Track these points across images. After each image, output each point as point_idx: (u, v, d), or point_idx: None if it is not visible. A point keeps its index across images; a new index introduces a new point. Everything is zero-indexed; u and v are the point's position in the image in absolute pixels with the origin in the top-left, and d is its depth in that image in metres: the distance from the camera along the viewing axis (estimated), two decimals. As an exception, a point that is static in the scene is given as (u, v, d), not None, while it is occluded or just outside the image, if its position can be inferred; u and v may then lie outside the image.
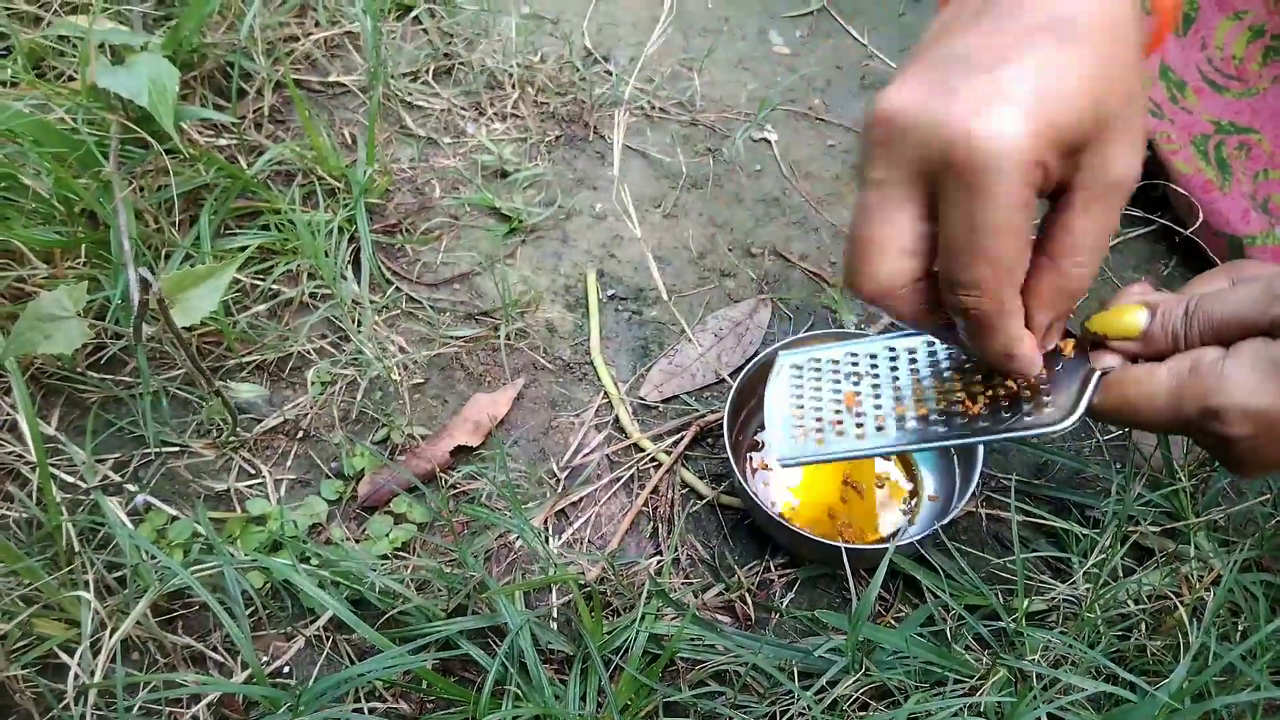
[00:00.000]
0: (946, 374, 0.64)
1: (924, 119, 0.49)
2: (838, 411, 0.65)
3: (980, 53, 0.51)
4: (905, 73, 0.51)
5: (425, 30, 1.15)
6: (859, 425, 0.64)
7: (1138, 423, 0.58)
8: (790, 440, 0.65)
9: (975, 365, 0.64)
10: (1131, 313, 0.59)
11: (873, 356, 0.67)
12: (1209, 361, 0.54)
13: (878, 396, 0.65)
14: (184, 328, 0.75)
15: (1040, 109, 0.48)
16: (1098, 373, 0.59)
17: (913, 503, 0.82)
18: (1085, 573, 0.72)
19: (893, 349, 0.67)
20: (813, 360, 0.69)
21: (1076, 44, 0.50)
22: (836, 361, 0.67)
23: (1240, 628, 0.72)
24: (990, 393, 0.61)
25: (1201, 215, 0.94)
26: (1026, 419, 0.59)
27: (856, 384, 0.66)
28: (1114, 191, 0.52)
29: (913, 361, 0.66)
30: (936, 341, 0.66)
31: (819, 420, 0.65)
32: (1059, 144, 0.49)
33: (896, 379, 0.65)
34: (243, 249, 0.89)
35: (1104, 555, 0.72)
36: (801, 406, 0.67)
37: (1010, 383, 0.61)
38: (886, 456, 0.82)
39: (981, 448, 0.76)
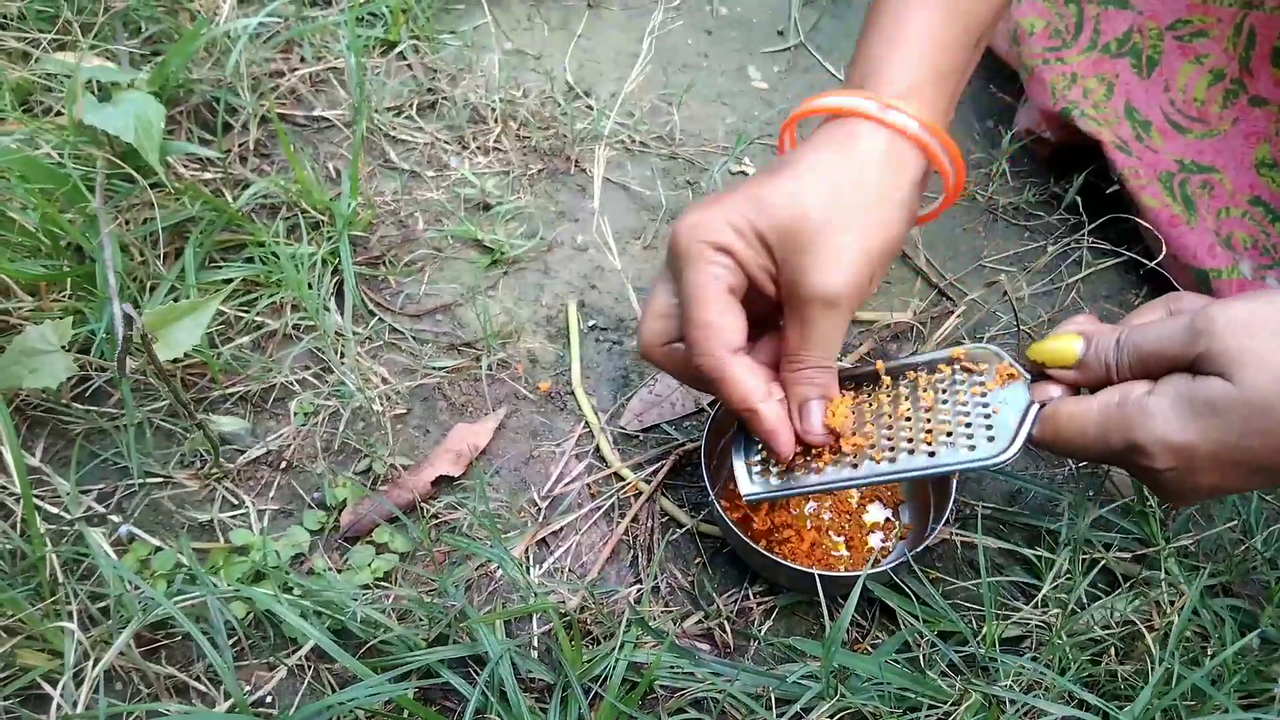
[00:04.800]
0: (896, 411, 0.68)
1: (677, 225, 0.64)
2: (797, 451, 0.69)
3: (725, 188, 0.67)
4: None
5: (409, 66, 1.17)
6: (817, 463, 0.68)
7: (1071, 454, 0.62)
8: (755, 477, 0.70)
9: (918, 404, 0.68)
10: (1067, 341, 0.62)
11: None
12: (1135, 397, 0.57)
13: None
14: (168, 360, 0.76)
15: (727, 214, 0.62)
16: (1036, 406, 0.62)
17: (890, 531, 0.83)
18: (1054, 599, 0.73)
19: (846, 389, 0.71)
20: None
21: (782, 177, 0.62)
22: None
23: (1210, 652, 0.73)
24: (934, 429, 0.64)
25: (1168, 249, 0.96)
26: (966, 453, 0.62)
27: None
28: (811, 305, 0.62)
29: (865, 401, 0.71)
30: (882, 382, 0.71)
31: (779, 459, 0.69)
32: (743, 240, 0.62)
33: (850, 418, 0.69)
34: (227, 282, 0.90)
35: (1069, 581, 0.73)
36: (765, 446, 0.71)
37: (954, 418, 0.64)
38: (841, 491, 0.84)
39: (955, 477, 0.78)
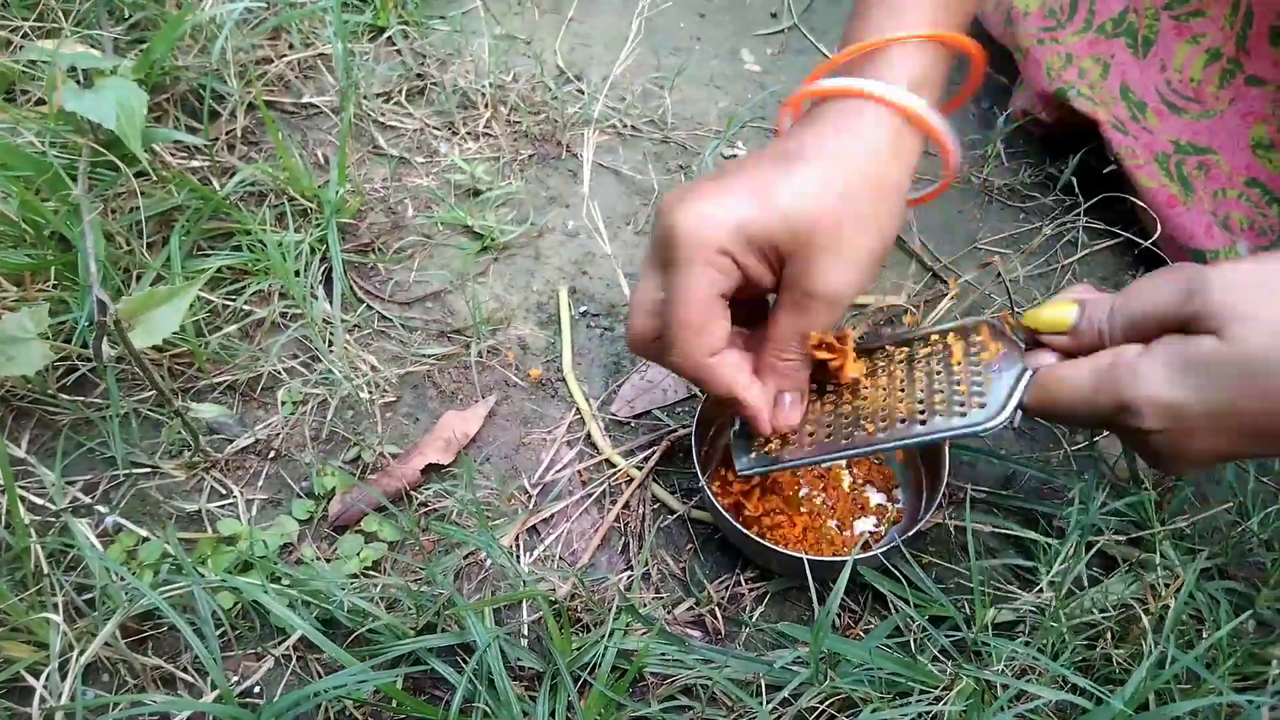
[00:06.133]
0: (890, 382, 0.69)
1: (664, 211, 0.60)
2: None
3: (723, 170, 0.62)
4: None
5: (398, 51, 1.16)
6: (810, 436, 0.68)
7: (1062, 418, 0.63)
8: (749, 452, 0.71)
9: (912, 375, 0.68)
10: (1061, 308, 0.62)
11: None
12: (1127, 358, 0.57)
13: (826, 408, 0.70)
14: (152, 348, 0.76)
15: (734, 212, 0.58)
16: (1029, 372, 0.62)
17: (884, 515, 0.82)
18: (1049, 582, 0.73)
19: None
20: None
21: (792, 172, 0.59)
22: None
23: (1205, 634, 0.72)
24: (926, 398, 0.65)
25: (1165, 229, 0.95)
26: (958, 420, 0.62)
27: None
28: (811, 302, 0.61)
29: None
30: (867, 354, 0.72)
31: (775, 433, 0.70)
32: (749, 244, 0.59)
33: (842, 391, 0.70)
34: (211, 271, 0.89)
35: (1066, 565, 0.73)
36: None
37: (947, 387, 0.65)
38: (837, 464, 0.84)
39: (946, 460, 0.77)
